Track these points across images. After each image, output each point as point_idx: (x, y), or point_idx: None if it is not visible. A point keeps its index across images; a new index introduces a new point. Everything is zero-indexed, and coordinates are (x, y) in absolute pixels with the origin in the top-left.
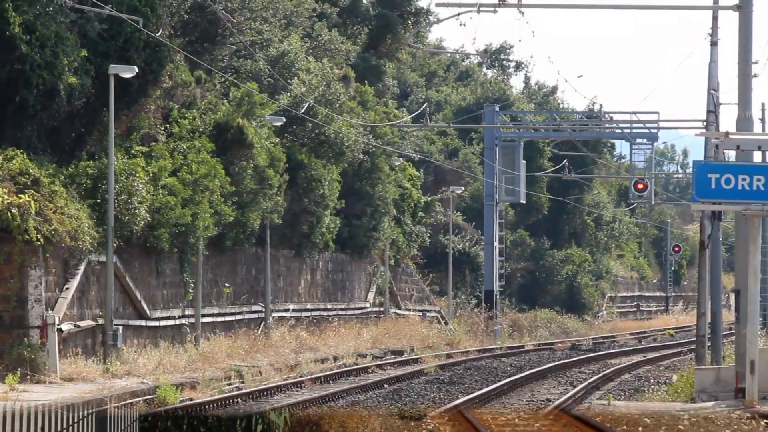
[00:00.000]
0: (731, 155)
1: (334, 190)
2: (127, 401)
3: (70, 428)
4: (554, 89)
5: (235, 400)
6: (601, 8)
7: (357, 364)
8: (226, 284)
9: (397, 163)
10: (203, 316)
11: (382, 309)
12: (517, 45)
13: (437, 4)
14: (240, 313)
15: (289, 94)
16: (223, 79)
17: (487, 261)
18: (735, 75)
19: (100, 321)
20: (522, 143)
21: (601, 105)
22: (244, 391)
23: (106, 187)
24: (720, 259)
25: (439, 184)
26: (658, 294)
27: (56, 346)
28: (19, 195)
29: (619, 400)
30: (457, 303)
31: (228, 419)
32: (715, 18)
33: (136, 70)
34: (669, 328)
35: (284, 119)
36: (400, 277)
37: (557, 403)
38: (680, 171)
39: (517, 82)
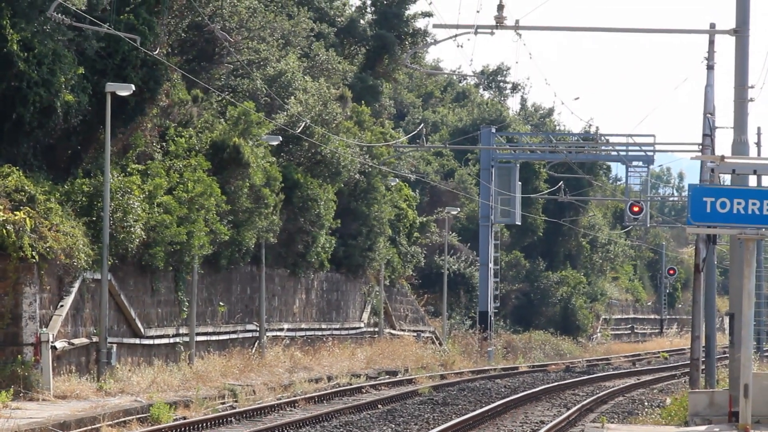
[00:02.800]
0: (727, 179)
1: (330, 210)
2: (121, 419)
3: None
4: (551, 111)
5: (229, 419)
6: (597, 31)
7: (351, 384)
8: (221, 303)
9: (393, 184)
10: (198, 334)
11: (376, 329)
12: (513, 67)
13: (434, 26)
14: (234, 332)
15: (285, 113)
16: (219, 98)
17: (482, 282)
18: (731, 99)
19: (95, 339)
20: (518, 165)
21: (597, 127)
22: (237, 410)
23: (101, 205)
24: (714, 283)
25: (435, 204)
26: (652, 317)
27: (50, 363)
28: (15, 212)
29: (612, 422)
30: (451, 324)
31: None
32: (711, 42)
33: (133, 88)
34: (663, 351)
35: (281, 138)
36: (395, 297)
37: (550, 425)
38: (676, 194)
39: (513, 104)
